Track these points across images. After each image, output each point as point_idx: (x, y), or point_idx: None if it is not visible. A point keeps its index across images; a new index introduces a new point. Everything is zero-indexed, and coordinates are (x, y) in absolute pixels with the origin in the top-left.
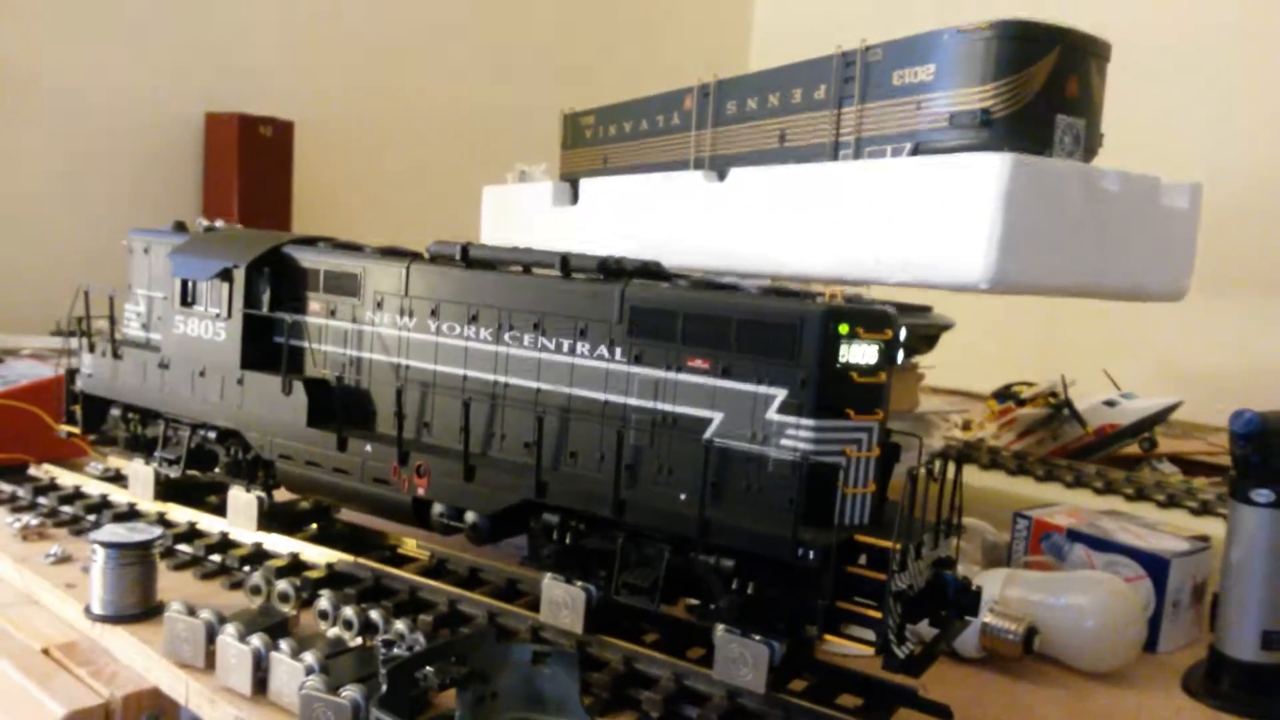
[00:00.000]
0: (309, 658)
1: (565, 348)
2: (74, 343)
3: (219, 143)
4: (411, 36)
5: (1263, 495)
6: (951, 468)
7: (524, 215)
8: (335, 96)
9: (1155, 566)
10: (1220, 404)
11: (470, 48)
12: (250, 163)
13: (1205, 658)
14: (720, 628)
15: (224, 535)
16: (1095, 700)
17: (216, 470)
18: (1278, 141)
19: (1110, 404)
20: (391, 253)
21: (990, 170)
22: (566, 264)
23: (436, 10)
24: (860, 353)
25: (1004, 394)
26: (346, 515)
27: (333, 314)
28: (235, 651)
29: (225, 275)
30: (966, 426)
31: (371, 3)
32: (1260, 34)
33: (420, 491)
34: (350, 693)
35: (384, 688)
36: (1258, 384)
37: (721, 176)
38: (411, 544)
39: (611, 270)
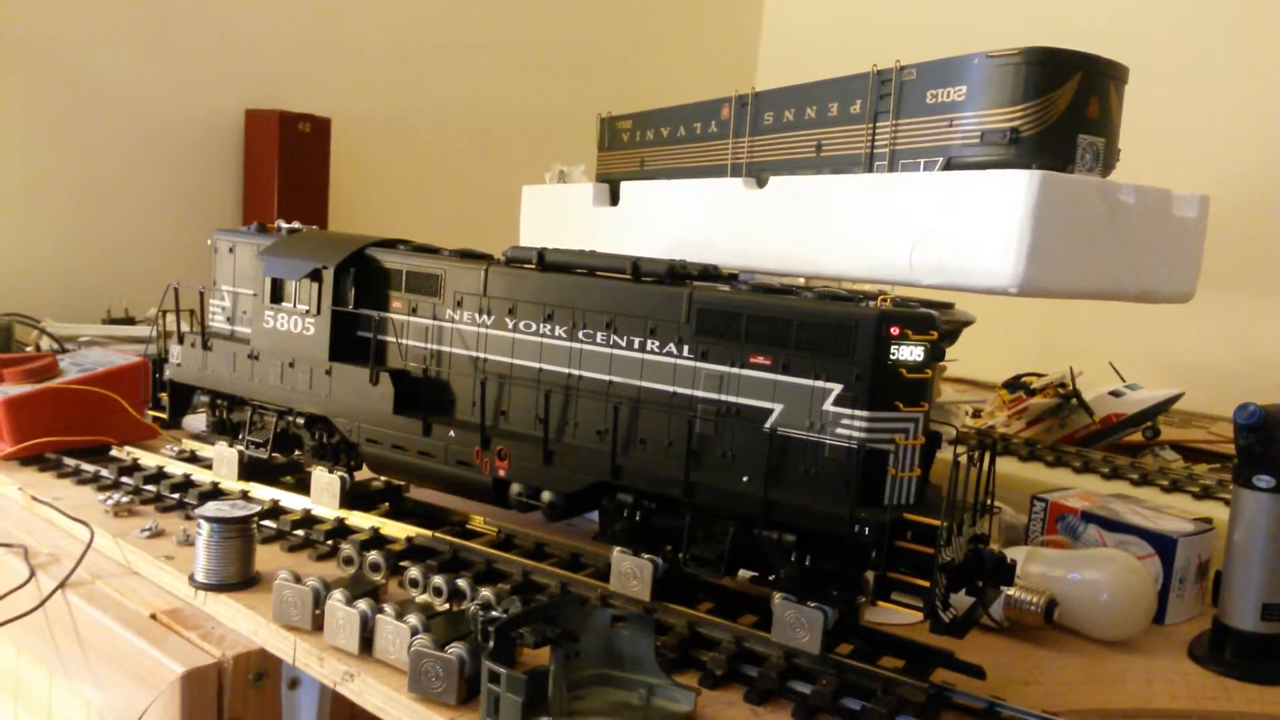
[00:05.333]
0: (412, 619)
1: (636, 345)
2: (153, 331)
3: (259, 138)
4: (446, 36)
5: (1264, 481)
6: (987, 455)
7: (563, 215)
8: (370, 94)
9: (1164, 545)
10: (1219, 395)
11: (505, 49)
12: (289, 158)
13: (1209, 629)
14: (778, 596)
15: (307, 512)
16: (1110, 665)
17: (298, 453)
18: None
19: (1116, 394)
20: (468, 255)
21: (1020, 185)
22: (637, 268)
23: (471, 11)
24: (909, 352)
25: (1014, 384)
26: (415, 494)
27: (414, 311)
28: (343, 614)
29: (315, 275)
30: (977, 415)
31: (406, 2)
32: (1264, 49)
33: (501, 473)
34: (456, 649)
35: (492, 644)
36: (1254, 376)
37: (761, 184)
38: (479, 520)
39: (678, 274)
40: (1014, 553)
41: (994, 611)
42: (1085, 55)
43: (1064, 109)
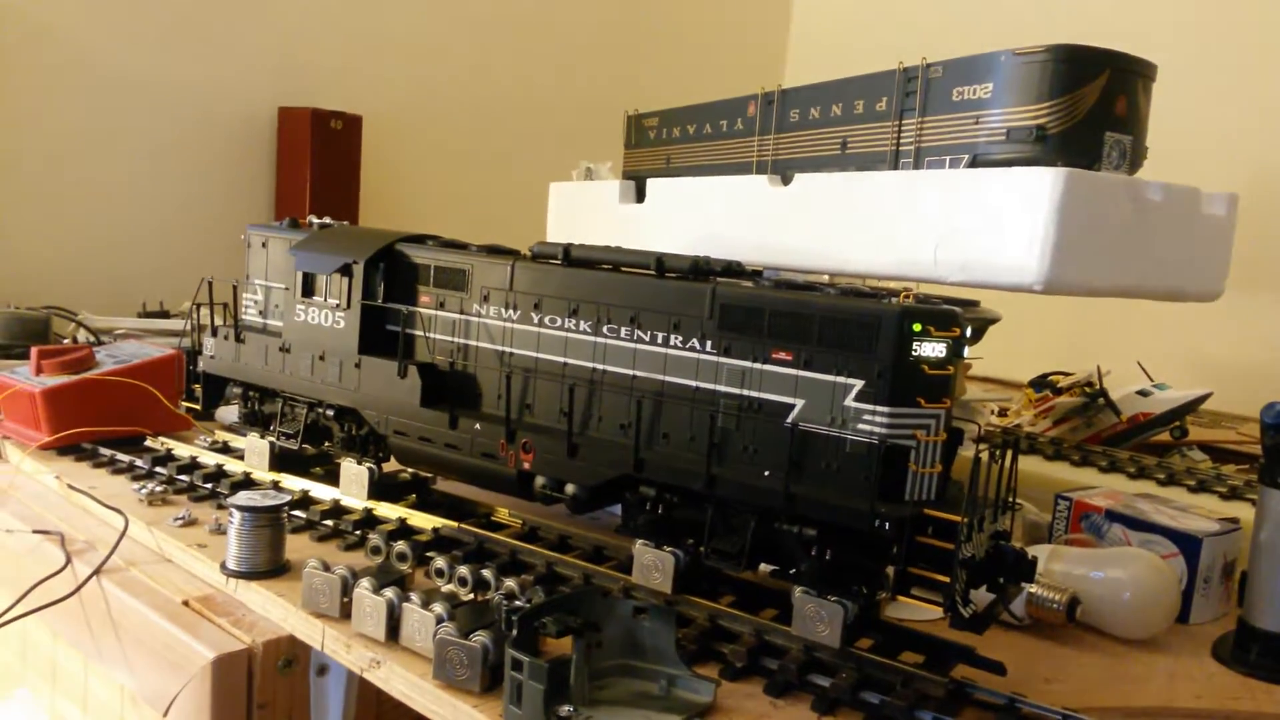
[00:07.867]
0: (438, 608)
1: (660, 339)
2: (187, 325)
3: (292, 135)
4: (475, 35)
5: None
6: (1009, 453)
7: (590, 212)
8: (401, 92)
9: (1188, 545)
10: (1248, 396)
11: (534, 47)
12: (321, 155)
13: (1234, 629)
14: (798, 589)
15: (336, 502)
16: (1133, 664)
17: (327, 445)
18: None
19: (1143, 394)
20: (495, 251)
21: (1046, 182)
22: (661, 264)
23: (501, 10)
24: (931, 348)
25: (1041, 383)
26: (442, 486)
27: (442, 306)
28: (370, 602)
29: (345, 270)
30: (1003, 414)
31: (436, 1)
32: None
33: (526, 465)
34: (480, 637)
35: (515, 632)
36: None
37: (786, 181)
38: (504, 512)
39: (702, 270)
40: (1037, 551)
41: (1016, 609)
42: (1112, 53)
43: (1090, 106)
